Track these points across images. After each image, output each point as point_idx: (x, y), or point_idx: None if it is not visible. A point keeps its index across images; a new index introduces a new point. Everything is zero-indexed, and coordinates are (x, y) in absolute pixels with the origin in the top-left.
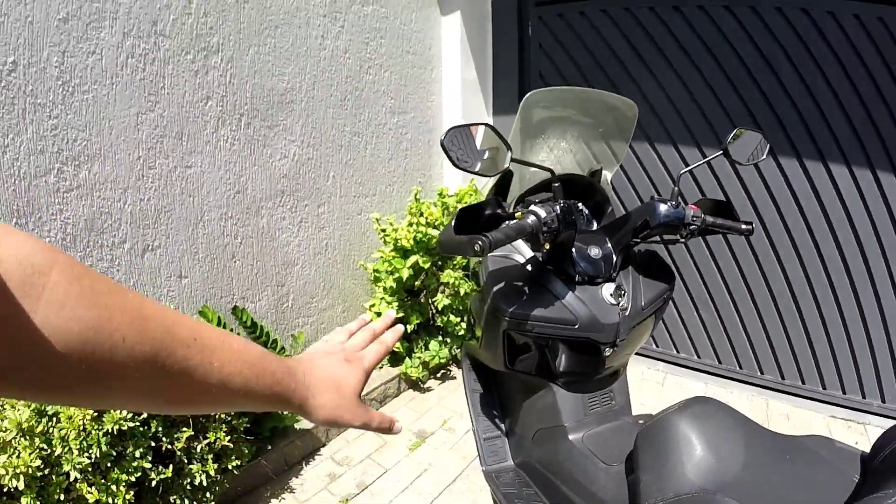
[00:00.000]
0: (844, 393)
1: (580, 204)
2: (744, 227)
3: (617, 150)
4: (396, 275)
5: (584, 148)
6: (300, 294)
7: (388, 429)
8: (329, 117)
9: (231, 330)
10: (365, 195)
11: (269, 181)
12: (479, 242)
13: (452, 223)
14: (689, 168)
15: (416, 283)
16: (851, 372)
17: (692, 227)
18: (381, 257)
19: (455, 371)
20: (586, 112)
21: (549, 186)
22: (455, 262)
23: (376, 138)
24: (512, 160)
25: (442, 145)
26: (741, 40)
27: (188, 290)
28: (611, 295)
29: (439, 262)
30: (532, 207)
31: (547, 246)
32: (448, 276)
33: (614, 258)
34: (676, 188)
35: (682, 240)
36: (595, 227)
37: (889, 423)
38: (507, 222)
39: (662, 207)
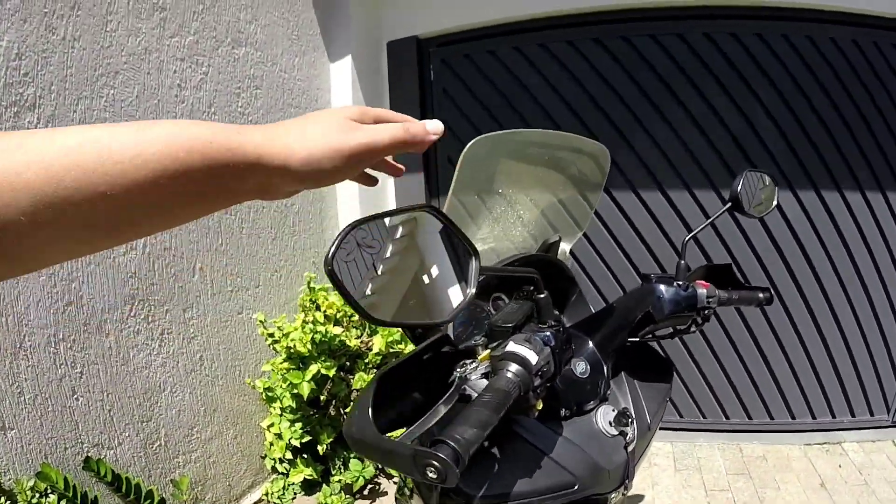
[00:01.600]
0: (814, 418)
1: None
2: (761, 296)
3: (580, 212)
4: (295, 390)
5: (538, 214)
6: (174, 427)
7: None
8: None
9: (85, 493)
10: (244, 288)
11: (112, 284)
12: (437, 467)
13: (367, 407)
14: (695, 233)
15: (322, 395)
16: (818, 395)
17: (707, 311)
18: (273, 370)
19: (386, 484)
20: (542, 164)
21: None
22: (367, 361)
23: (254, 214)
24: (484, 271)
25: (330, 275)
26: (670, 69)
27: (17, 445)
28: (610, 424)
29: (347, 364)
30: (512, 349)
31: (540, 405)
32: (360, 379)
33: (605, 370)
34: (682, 262)
35: (695, 329)
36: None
37: (862, 435)
38: (469, 382)
39: (668, 292)
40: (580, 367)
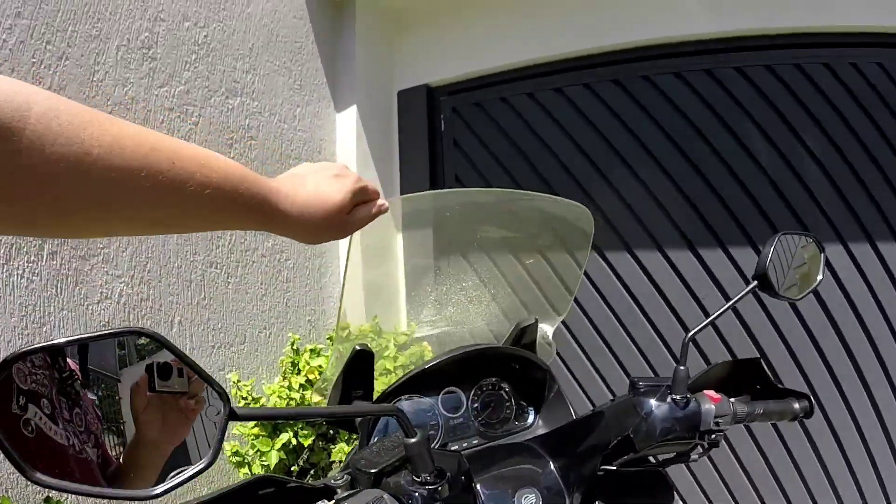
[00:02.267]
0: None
1: (505, 386)
2: (797, 406)
3: (558, 294)
4: (264, 459)
5: (505, 291)
6: None
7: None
8: (172, 243)
9: None
10: (228, 345)
11: (84, 332)
12: None
13: None
14: (702, 326)
15: (295, 465)
16: (876, 490)
17: (714, 435)
18: (242, 434)
19: None
20: (510, 231)
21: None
22: (351, 437)
23: (242, 269)
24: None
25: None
26: (701, 112)
27: None
28: None
29: (331, 433)
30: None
31: None
32: (341, 451)
33: (568, 502)
34: (682, 368)
35: (696, 456)
36: (532, 422)
37: None
38: None
39: (659, 409)
40: (528, 500)
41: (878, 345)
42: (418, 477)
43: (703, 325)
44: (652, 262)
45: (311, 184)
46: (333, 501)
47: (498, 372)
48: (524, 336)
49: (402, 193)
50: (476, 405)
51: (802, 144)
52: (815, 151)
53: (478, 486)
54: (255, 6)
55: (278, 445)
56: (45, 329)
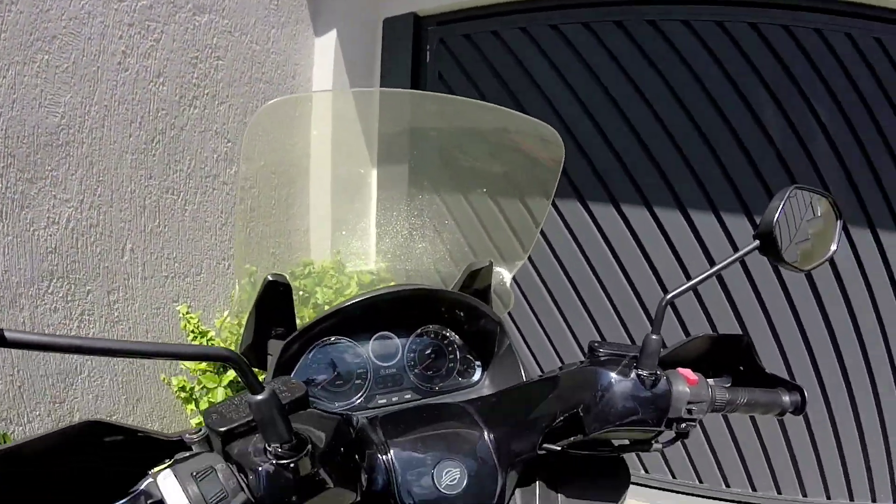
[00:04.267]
0: (829, 498)
1: (454, 335)
2: (787, 400)
3: (523, 227)
4: (210, 396)
5: (454, 227)
6: (91, 412)
7: None
8: (126, 166)
9: None
10: (183, 275)
11: (30, 258)
12: None
13: None
14: (679, 290)
15: None
16: (838, 471)
17: (685, 425)
18: (192, 370)
19: None
20: (466, 148)
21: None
22: None
23: (202, 196)
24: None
25: None
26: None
27: None
28: None
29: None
30: (159, 483)
31: None
32: None
33: (501, 481)
34: (655, 336)
35: (659, 446)
36: (478, 381)
37: None
38: None
39: (619, 384)
40: (450, 475)
41: (865, 337)
42: (269, 446)
43: (685, 286)
44: (637, 219)
45: None
46: (168, 462)
47: (442, 319)
48: (476, 281)
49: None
50: (413, 355)
51: (815, 116)
52: (827, 126)
53: (391, 452)
54: None
55: (225, 382)
56: None
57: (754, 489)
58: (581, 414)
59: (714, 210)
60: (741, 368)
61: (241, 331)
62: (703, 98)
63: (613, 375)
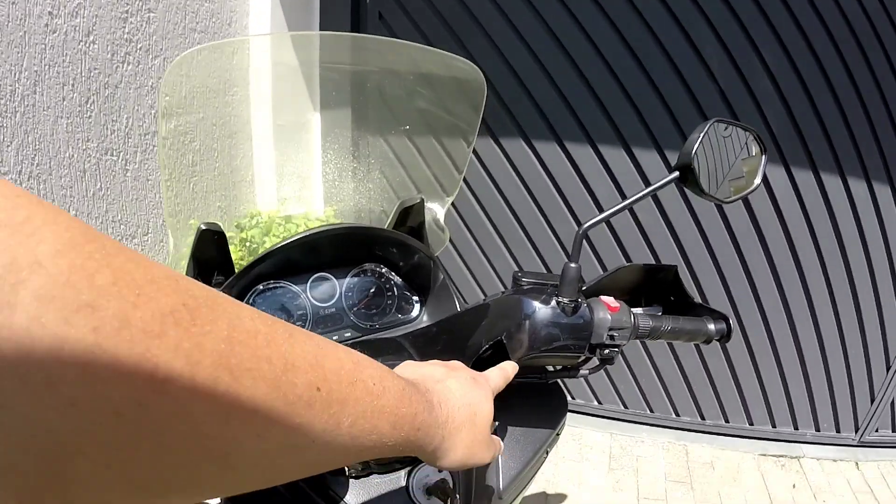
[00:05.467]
0: (774, 426)
1: (390, 273)
2: (712, 328)
3: (445, 171)
4: None
5: (399, 167)
6: None
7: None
8: (62, 131)
9: None
10: (130, 236)
11: None
12: None
13: None
14: (596, 220)
15: None
16: (782, 401)
17: (608, 351)
18: None
19: None
20: (400, 92)
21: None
22: None
23: (142, 154)
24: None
25: None
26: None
27: None
28: (425, 494)
29: None
30: None
31: None
32: None
33: None
34: (574, 265)
35: (585, 372)
36: (417, 315)
37: (824, 452)
38: None
39: (541, 312)
40: None
41: (806, 272)
42: None
43: (600, 216)
44: (580, 154)
45: (458, 392)
46: None
47: (378, 258)
48: (410, 218)
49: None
50: (351, 294)
51: (760, 58)
52: (771, 68)
53: None
54: None
55: None
56: None
57: (703, 418)
58: (505, 341)
59: (658, 148)
60: (672, 299)
61: None
62: (647, 35)
63: (536, 304)
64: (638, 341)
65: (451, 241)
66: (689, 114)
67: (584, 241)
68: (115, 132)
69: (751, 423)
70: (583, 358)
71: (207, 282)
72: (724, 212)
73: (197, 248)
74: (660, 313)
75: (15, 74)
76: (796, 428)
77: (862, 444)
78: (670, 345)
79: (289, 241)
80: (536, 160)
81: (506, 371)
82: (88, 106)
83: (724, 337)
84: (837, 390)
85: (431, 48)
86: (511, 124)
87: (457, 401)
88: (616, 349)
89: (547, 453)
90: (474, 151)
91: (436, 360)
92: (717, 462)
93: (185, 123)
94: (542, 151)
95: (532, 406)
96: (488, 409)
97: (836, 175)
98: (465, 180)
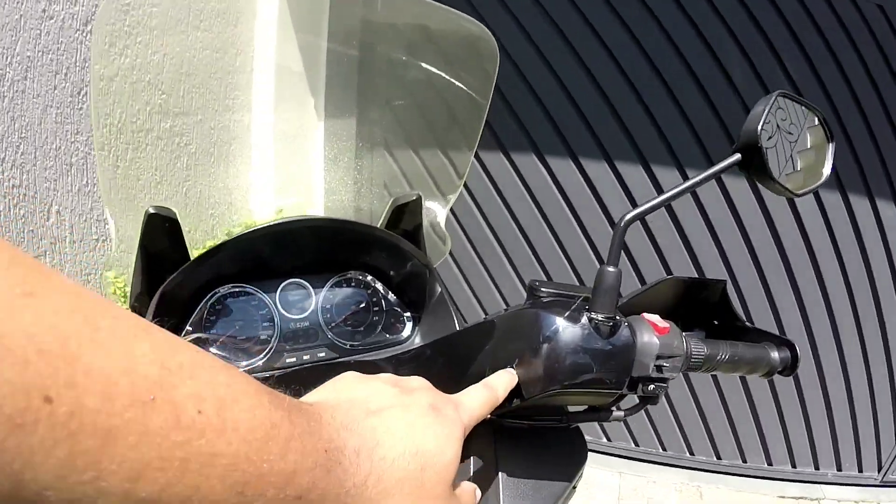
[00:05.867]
0: (794, 467)
1: (379, 283)
2: (776, 357)
3: (458, 147)
4: None
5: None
6: None
7: None
8: (51, 121)
9: None
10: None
11: None
12: None
13: None
14: (643, 209)
15: None
16: (803, 440)
17: (654, 387)
18: None
19: None
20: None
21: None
22: None
23: (133, 152)
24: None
25: None
26: None
27: None
28: None
29: None
30: None
31: None
32: None
33: None
34: (612, 269)
35: (621, 414)
36: (408, 336)
37: (845, 493)
38: None
39: (567, 333)
40: None
41: (833, 302)
42: None
43: (648, 205)
44: (593, 168)
45: (400, 434)
46: None
47: (364, 265)
48: (405, 219)
49: (328, 79)
50: (329, 306)
51: (783, 70)
52: (796, 80)
53: None
54: None
55: None
56: None
57: (719, 458)
58: (516, 370)
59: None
60: (715, 323)
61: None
62: (672, 53)
63: (559, 320)
64: (681, 374)
65: (451, 254)
66: (709, 126)
67: (623, 239)
68: (107, 127)
69: (769, 464)
70: (618, 395)
71: (160, 278)
72: (744, 228)
73: (145, 237)
74: (704, 338)
75: (7, 58)
76: (817, 468)
77: (885, 484)
78: (686, 376)
79: (254, 229)
80: (544, 167)
81: (492, 391)
82: (80, 97)
83: (789, 367)
84: (861, 427)
85: (441, 5)
86: (519, 131)
87: (394, 446)
88: (664, 383)
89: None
90: (478, 157)
91: (387, 376)
92: (733, 503)
93: (123, 67)
94: (551, 163)
95: (543, 453)
96: (450, 455)
97: (865, 197)
98: (466, 187)
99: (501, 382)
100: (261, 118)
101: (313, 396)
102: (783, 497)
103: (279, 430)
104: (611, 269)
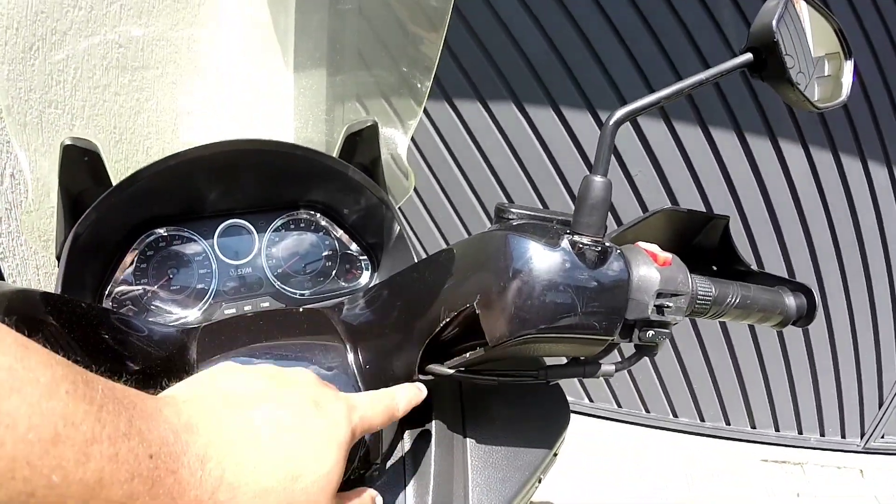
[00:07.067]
0: (777, 430)
1: (332, 224)
2: (793, 302)
3: (417, 70)
4: None
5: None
6: None
7: None
8: (2, 79)
9: None
10: None
11: None
12: None
13: None
14: (636, 107)
15: None
16: (787, 405)
17: (655, 334)
18: None
19: None
20: None
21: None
22: None
23: (89, 109)
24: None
25: None
26: None
27: None
28: None
29: None
30: None
31: None
32: None
33: None
34: (601, 178)
35: (611, 368)
36: (367, 281)
37: (828, 458)
38: None
39: (544, 260)
40: None
41: (822, 265)
42: None
43: (643, 102)
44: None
45: (266, 436)
46: None
47: (314, 204)
48: (359, 150)
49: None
50: (274, 250)
51: None
52: None
53: (198, 370)
54: None
55: None
56: None
57: (703, 419)
58: (479, 311)
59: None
60: (714, 269)
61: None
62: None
63: (533, 245)
64: (688, 319)
65: (416, 191)
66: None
67: (613, 142)
68: (61, 84)
69: (753, 427)
70: (608, 343)
71: (80, 210)
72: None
73: (63, 173)
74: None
75: None
76: (800, 432)
77: (867, 451)
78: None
79: (176, 153)
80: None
81: (393, 402)
82: (32, 53)
83: (805, 316)
84: (846, 394)
85: None
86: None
87: (257, 450)
88: (665, 329)
89: (540, 481)
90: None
91: (267, 366)
92: (717, 465)
93: (78, 20)
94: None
95: (521, 416)
96: (331, 462)
97: (858, 160)
98: (427, 115)
99: (405, 396)
100: (226, 71)
101: (171, 389)
102: (766, 461)
103: (76, 429)
104: (599, 178)
